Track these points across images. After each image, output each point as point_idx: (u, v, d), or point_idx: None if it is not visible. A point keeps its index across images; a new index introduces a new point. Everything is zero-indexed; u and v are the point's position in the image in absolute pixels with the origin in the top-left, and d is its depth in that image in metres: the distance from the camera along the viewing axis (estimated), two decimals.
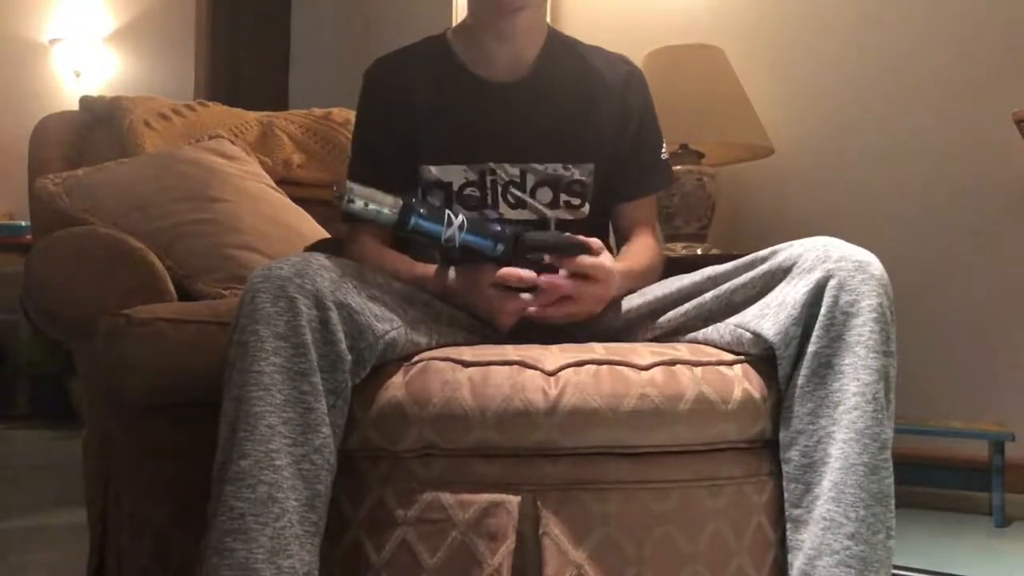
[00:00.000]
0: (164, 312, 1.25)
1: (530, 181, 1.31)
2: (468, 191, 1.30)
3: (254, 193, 1.70)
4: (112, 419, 1.26)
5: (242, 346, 0.93)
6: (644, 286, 1.24)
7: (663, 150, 1.41)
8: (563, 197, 1.32)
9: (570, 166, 1.32)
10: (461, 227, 1.09)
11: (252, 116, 1.98)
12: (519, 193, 1.31)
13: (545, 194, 1.32)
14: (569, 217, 1.33)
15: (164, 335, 1.21)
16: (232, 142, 1.82)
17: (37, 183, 1.60)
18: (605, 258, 1.15)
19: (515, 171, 1.30)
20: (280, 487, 0.89)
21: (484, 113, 1.33)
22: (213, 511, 0.90)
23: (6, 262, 3.69)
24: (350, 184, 1.05)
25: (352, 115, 2.05)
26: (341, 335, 0.95)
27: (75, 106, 1.86)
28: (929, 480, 2.20)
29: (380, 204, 1.05)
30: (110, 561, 1.24)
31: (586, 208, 1.34)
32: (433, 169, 1.30)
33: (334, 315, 0.94)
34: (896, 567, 1.53)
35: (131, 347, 1.19)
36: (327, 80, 3.77)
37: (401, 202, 1.06)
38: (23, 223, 3.89)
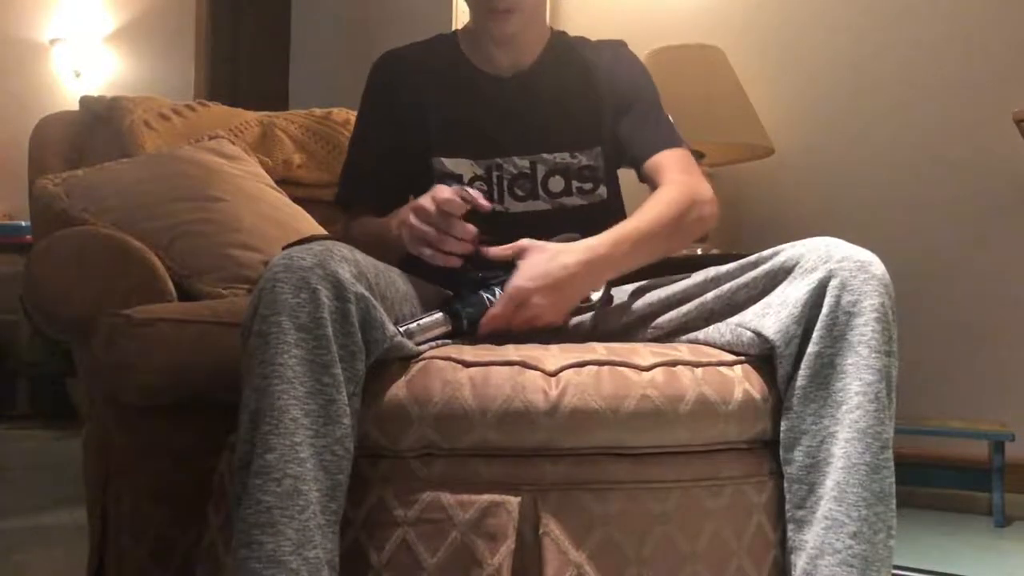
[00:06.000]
0: (164, 312, 1.25)
1: (540, 172, 1.34)
2: (477, 184, 1.33)
3: (254, 193, 1.70)
4: (112, 419, 1.26)
5: (263, 337, 0.92)
6: (666, 231, 1.21)
7: (663, 111, 1.38)
8: (575, 184, 1.35)
9: (576, 153, 1.35)
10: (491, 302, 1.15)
11: (252, 116, 1.98)
12: (529, 186, 1.33)
13: (557, 183, 1.34)
14: (584, 202, 1.35)
15: (164, 335, 1.21)
16: (232, 142, 1.82)
17: (37, 183, 1.60)
18: (523, 272, 1.12)
19: (524, 163, 1.33)
20: (304, 479, 0.89)
21: (487, 108, 1.36)
22: (237, 503, 0.90)
23: (6, 262, 3.69)
24: (403, 327, 1.06)
25: (353, 115, 2.06)
26: (358, 326, 0.95)
27: (75, 106, 1.86)
28: (929, 480, 2.21)
29: (433, 328, 1.09)
30: (110, 561, 1.24)
31: (603, 190, 1.36)
32: (445, 161, 1.33)
33: (353, 307, 0.95)
34: (896, 567, 1.53)
35: (131, 347, 1.19)
36: (327, 80, 3.77)
37: (447, 315, 1.11)
38: (23, 223, 3.90)
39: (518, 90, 1.36)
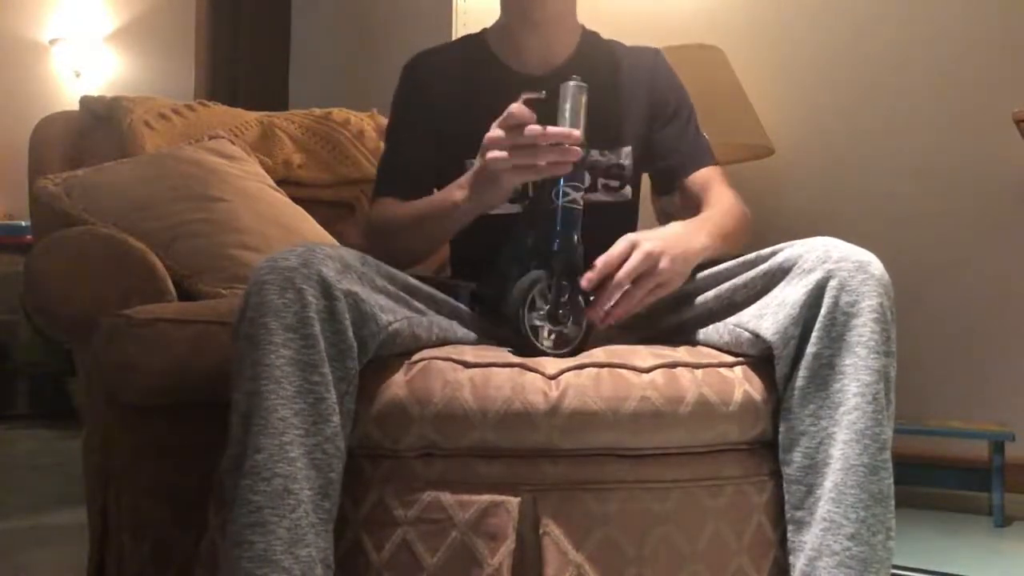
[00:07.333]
0: (164, 312, 1.25)
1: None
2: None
3: (254, 193, 1.70)
4: (112, 419, 1.26)
5: (251, 339, 0.93)
6: (734, 229, 1.23)
7: (699, 126, 1.42)
8: (601, 181, 1.36)
9: (607, 152, 1.35)
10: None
11: (252, 116, 1.97)
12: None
13: (584, 179, 1.33)
14: (609, 200, 1.36)
15: (164, 335, 1.21)
16: (232, 142, 1.82)
17: (37, 183, 1.60)
18: (643, 238, 1.09)
19: None
20: (295, 478, 0.90)
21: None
22: (230, 504, 0.91)
23: (6, 262, 3.69)
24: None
25: (352, 115, 2.06)
26: (348, 324, 0.95)
27: (75, 106, 1.86)
28: (929, 480, 2.20)
29: (580, 118, 1.09)
30: (110, 561, 1.24)
31: (627, 190, 1.37)
32: (477, 161, 1.31)
33: (341, 304, 0.95)
34: (896, 567, 1.53)
35: (131, 347, 1.19)
36: (327, 80, 3.77)
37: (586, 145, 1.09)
38: (23, 223, 3.89)
39: (545, 88, 1.35)
